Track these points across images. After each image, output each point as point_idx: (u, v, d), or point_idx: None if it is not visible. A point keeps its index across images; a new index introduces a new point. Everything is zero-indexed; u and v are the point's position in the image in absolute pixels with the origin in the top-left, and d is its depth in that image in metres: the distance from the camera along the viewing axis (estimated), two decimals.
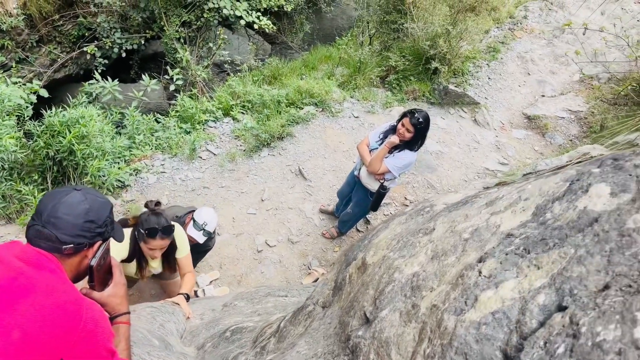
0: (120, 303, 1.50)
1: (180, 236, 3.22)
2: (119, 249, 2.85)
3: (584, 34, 4.39)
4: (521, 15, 9.29)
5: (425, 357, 1.10)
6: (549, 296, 0.98)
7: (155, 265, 3.22)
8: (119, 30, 8.23)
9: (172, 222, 3.03)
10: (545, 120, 7.42)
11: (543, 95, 7.97)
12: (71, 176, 5.20)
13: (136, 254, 3.01)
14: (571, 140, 7.15)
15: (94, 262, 1.41)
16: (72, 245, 1.34)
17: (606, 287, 0.90)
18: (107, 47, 8.14)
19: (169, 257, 3.20)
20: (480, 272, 1.15)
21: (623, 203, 1.05)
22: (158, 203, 2.97)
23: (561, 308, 0.95)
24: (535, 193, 1.27)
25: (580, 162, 1.40)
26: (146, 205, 2.95)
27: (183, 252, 3.25)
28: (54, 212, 1.33)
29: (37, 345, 1.10)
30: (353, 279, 1.65)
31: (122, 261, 2.94)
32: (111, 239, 1.57)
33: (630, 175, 1.11)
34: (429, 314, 1.18)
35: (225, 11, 7.75)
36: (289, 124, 6.57)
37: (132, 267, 3.10)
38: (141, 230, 2.85)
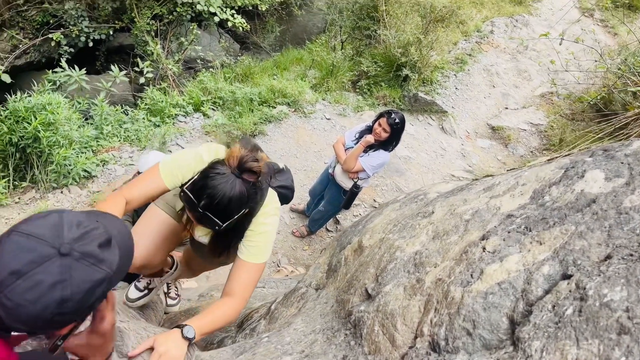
0: (93, 355, 1.14)
1: (260, 223, 1.86)
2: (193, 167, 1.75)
3: (560, 44, 4.66)
4: (488, 30, 9.64)
5: (432, 326, 1.16)
6: (553, 267, 1.06)
7: (200, 234, 2.08)
8: (86, 18, 8.00)
9: (249, 202, 1.65)
10: (508, 131, 7.72)
11: (507, 108, 8.30)
12: (35, 164, 5.03)
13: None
14: (532, 152, 7.46)
15: (60, 343, 1.04)
16: (25, 334, 0.97)
17: (608, 257, 0.99)
18: (73, 36, 7.88)
19: (221, 241, 1.89)
20: (484, 249, 1.23)
21: (618, 186, 1.14)
22: (255, 161, 1.61)
23: (566, 277, 1.03)
24: (532, 179, 1.36)
25: (568, 154, 1.51)
26: (241, 158, 1.60)
27: (250, 254, 1.84)
28: (9, 291, 0.83)
29: None
30: (349, 260, 1.70)
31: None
32: None
33: (622, 163, 1.21)
34: (434, 287, 1.24)
35: (199, 7, 7.66)
36: (261, 122, 6.57)
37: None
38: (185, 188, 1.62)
